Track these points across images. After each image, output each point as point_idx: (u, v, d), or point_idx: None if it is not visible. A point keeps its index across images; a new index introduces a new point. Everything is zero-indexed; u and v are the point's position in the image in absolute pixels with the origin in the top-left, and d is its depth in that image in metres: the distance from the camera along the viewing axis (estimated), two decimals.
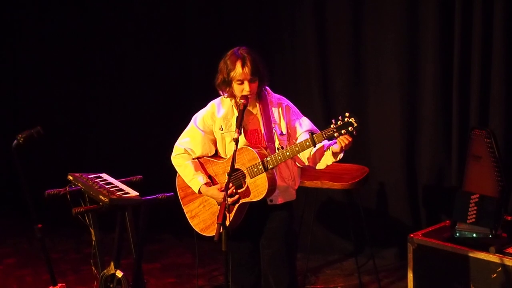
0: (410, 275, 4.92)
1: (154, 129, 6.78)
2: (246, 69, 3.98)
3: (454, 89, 5.56)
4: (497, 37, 5.35)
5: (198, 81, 6.56)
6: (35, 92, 7.34)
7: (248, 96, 4.01)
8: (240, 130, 3.90)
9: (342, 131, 3.80)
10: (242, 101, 4.00)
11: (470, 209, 4.82)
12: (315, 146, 3.92)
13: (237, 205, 4.04)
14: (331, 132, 3.82)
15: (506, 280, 4.49)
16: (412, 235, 4.92)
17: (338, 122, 3.80)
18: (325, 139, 3.84)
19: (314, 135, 3.86)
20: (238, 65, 3.98)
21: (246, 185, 4.01)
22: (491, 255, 4.55)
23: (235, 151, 3.82)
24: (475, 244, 4.71)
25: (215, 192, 4.06)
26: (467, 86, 5.53)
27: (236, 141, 3.84)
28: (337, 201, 6.15)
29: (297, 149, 3.92)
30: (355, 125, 3.78)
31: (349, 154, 4.16)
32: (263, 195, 3.98)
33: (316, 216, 5.91)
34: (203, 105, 4.25)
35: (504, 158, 4.96)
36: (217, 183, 4.13)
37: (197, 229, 4.20)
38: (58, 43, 7.15)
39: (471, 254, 4.62)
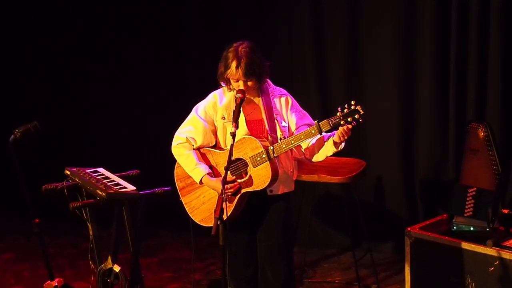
0: (407, 269, 4.93)
1: (151, 123, 6.77)
2: (240, 71, 3.97)
3: (451, 82, 5.56)
4: (494, 30, 5.34)
5: (194, 76, 6.56)
6: (32, 87, 7.33)
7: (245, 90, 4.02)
8: (237, 124, 3.89)
9: (349, 119, 3.80)
10: (239, 95, 3.99)
11: (467, 203, 4.82)
12: (321, 134, 3.91)
13: (238, 195, 4.03)
14: (337, 120, 3.81)
15: (503, 273, 4.49)
16: (409, 229, 4.92)
17: (345, 110, 3.81)
18: (331, 127, 3.83)
19: (320, 122, 3.85)
20: (233, 65, 3.97)
21: (248, 174, 4.00)
22: (489, 249, 4.55)
23: (232, 145, 3.81)
24: (472, 237, 4.71)
25: (217, 184, 4.02)
26: (464, 80, 5.52)
27: (233, 135, 3.84)
28: (334, 195, 6.15)
29: (302, 137, 3.91)
30: (362, 112, 3.79)
31: (347, 148, 4.16)
32: (267, 184, 3.97)
33: (313, 210, 5.90)
34: (199, 100, 4.24)
35: (501, 152, 4.95)
36: (218, 173, 4.11)
37: (196, 220, 4.18)
38: (56, 39, 7.12)
39: (468, 248, 4.63)
